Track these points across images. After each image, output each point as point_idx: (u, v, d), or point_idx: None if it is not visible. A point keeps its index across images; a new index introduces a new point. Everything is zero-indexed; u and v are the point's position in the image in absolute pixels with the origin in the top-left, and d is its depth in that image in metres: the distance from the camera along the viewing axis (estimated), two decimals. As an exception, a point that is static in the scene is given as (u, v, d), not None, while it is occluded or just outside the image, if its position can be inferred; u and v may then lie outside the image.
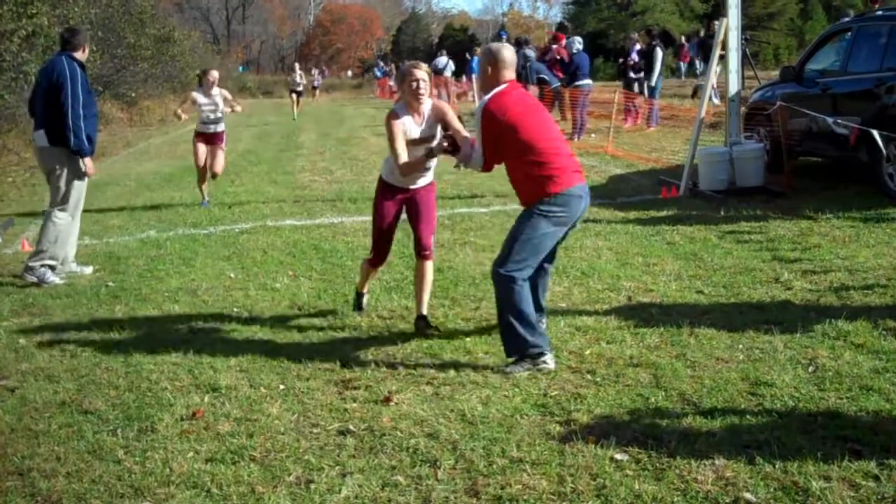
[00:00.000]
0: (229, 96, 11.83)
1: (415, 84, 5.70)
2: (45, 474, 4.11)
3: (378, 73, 52.48)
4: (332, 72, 76.65)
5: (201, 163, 11.71)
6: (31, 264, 7.78)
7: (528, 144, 5.24)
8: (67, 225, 7.93)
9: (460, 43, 60.09)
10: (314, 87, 42.69)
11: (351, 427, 4.51)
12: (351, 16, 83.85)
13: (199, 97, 11.51)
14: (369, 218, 10.43)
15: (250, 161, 17.56)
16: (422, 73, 5.74)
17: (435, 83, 30.17)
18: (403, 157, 5.72)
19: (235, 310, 6.80)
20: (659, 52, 19.06)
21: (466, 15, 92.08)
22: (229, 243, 9.30)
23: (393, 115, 5.79)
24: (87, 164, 7.84)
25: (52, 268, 7.80)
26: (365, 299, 6.63)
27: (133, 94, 31.02)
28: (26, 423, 4.73)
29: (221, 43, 75.38)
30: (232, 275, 7.92)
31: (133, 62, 30.72)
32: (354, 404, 4.83)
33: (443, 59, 33.27)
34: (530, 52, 20.07)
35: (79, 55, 7.92)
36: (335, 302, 6.89)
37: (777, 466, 3.85)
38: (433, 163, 5.92)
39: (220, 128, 11.75)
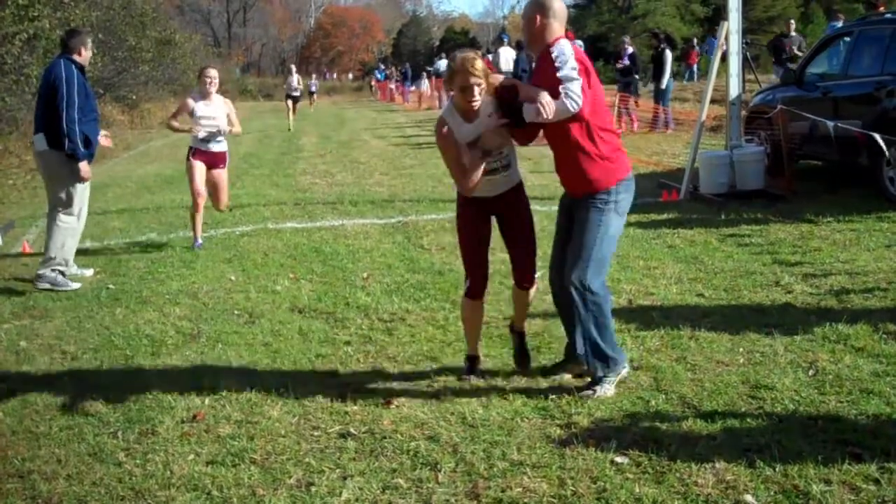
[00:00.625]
0: (233, 111, 9.26)
1: (467, 91, 4.59)
2: (45, 476, 4.12)
3: (378, 76, 52.54)
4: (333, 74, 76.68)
5: (199, 190, 8.94)
6: (40, 272, 7.71)
7: (601, 104, 4.64)
8: (73, 228, 7.90)
9: (461, 46, 60.10)
10: (311, 93, 38.62)
11: (351, 430, 4.52)
12: (352, 19, 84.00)
13: (197, 105, 8.93)
14: (369, 221, 10.53)
15: (251, 164, 17.57)
16: (476, 75, 4.55)
17: (436, 86, 30.13)
18: (462, 176, 4.74)
19: (236, 312, 6.81)
20: (668, 55, 19.06)
21: (467, 18, 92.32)
22: (230, 246, 9.30)
23: (441, 126, 4.75)
24: (81, 167, 7.75)
25: (63, 273, 7.75)
26: (479, 363, 5.31)
27: (134, 97, 31.03)
28: (27, 426, 4.74)
29: (222, 46, 75.47)
30: (233, 277, 7.92)
31: (134, 65, 30.74)
32: (355, 407, 4.83)
33: (444, 62, 33.28)
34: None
35: (77, 57, 7.85)
36: (336, 304, 6.89)
37: (777, 470, 3.86)
38: (505, 158, 4.84)
39: (222, 145, 9.13)
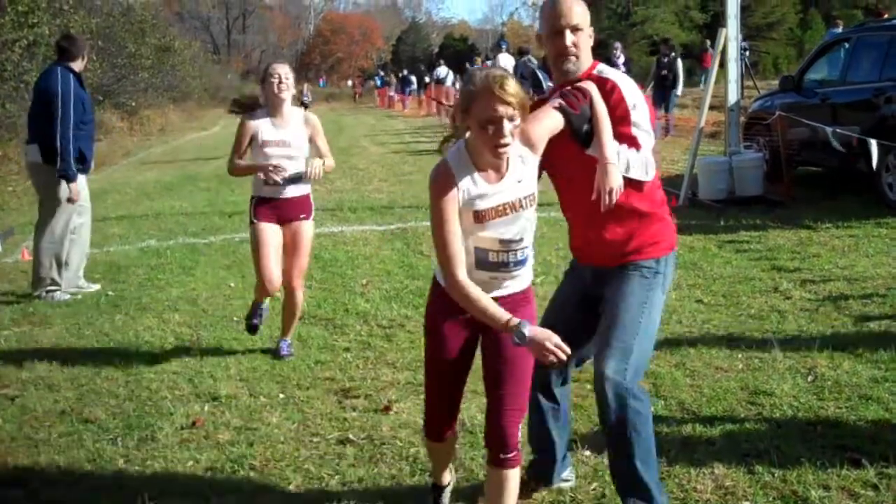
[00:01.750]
0: (320, 132, 5.84)
1: (495, 128, 2.92)
2: (45, 483, 4.12)
3: (378, 83, 52.58)
4: (332, 81, 76.79)
5: (269, 276, 5.64)
6: (35, 293, 7.61)
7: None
8: (58, 245, 7.64)
9: (460, 52, 60.22)
10: (303, 104, 32.64)
11: (351, 436, 4.52)
12: (351, 25, 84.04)
13: (262, 127, 5.61)
14: (368, 227, 10.53)
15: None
16: (508, 102, 2.91)
17: (436, 94, 29.67)
18: (458, 271, 3.03)
19: (235, 319, 6.81)
20: (680, 63, 19.11)
21: (466, 24, 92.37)
22: (229, 252, 9.31)
23: (442, 177, 3.04)
24: (72, 188, 7.44)
25: (56, 290, 7.61)
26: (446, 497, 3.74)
27: (133, 104, 31.05)
28: (26, 432, 4.74)
29: (222, 52, 75.55)
30: (232, 284, 7.92)
31: (133, 71, 30.78)
32: (354, 413, 4.83)
33: (443, 70, 33.32)
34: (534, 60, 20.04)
35: (75, 65, 7.57)
36: (335, 311, 6.89)
37: (776, 475, 3.86)
38: (523, 251, 3.17)
39: (302, 186, 5.78)
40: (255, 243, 5.66)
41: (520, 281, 3.22)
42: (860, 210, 9.68)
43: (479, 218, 3.05)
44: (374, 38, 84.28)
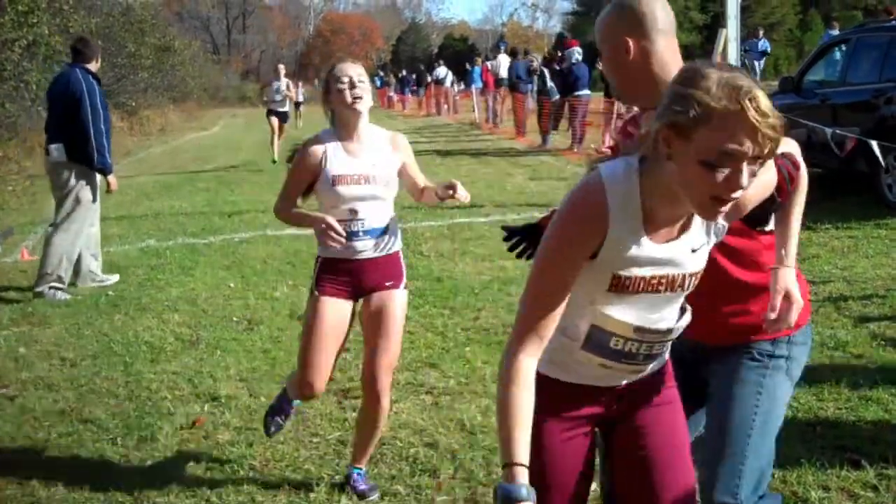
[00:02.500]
0: (411, 157, 4.18)
1: (726, 174, 1.91)
2: (44, 483, 4.11)
3: (378, 83, 52.61)
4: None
5: (315, 369, 3.98)
6: (37, 289, 7.63)
7: None
8: (72, 245, 7.73)
9: (460, 53, 60.22)
10: (297, 105, 27.35)
11: (350, 436, 4.52)
12: (351, 26, 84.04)
13: (331, 159, 3.90)
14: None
15: (251, 170, 17.57)
16: (758, 139, 1.88)
17: (436, 93, 29.37)
18: (527, 348, 2.08)
19: (235, 319, 6.81)
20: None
21: (466, 25, 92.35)
22: (229, 253, 9.31)
23: (587, 206, 2.05)
24: (110, 181, 7.79)
25: (60, 288, 7.63)
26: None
27: (133, 104, 31.07)
28: (26, 432, 4.74)
29: (221, 52, 75.56)
30: (232, 284, 7.92)
31: (133, 71, 30.80)
32: (354, 413, 4.82)
33: (442, 70, 33.35)
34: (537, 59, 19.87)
35: (92, 66, 7.77)
36: (335, 311, 6.88)
37: (776, 476, 3.85)
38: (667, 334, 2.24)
39: (390, 239, 4.17)
40: (308, 325, 3.94)
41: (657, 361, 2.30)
42: (860, 211, 9.68)
43: (619, 286, 2.08)
44: (373, 38, 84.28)
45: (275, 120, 18.12)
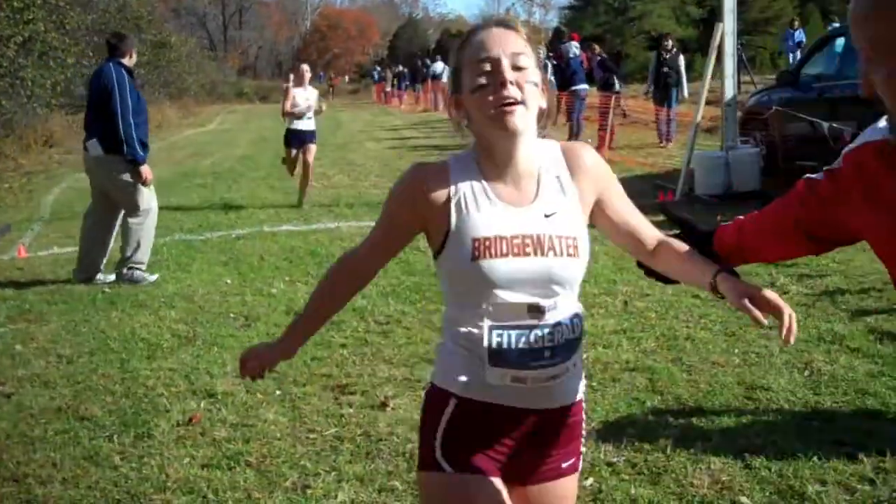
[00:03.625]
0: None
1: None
2: (40, 480, 4.11)
3: (374, 78, 52.63)
4: (329, 77, 76.70)
5: None
6: (118, 271, 7.89)
7: None
8: (145, 228, 7.96)
9: (457, 48, 60.02)
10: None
11: (347, 432, 4.52)
12: (347, 21, 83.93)
13: None
14: (365, 223, 10.50)
15: (247, 166, 17.56)
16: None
17: (432, 88, 29.24)
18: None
19: (232, 315, 6.80)
20: (682, 60, 18.16)
21: (464, 20, 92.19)
22: (226, 249, 9.30)
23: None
24: (143, 171, 7.83)
25: (140, 269, 7.88)
26: None
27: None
28: (22, 430, 4.73)
29: (218, 49, 75.43)
30: (228, 280, 7.91)
31: (130, 68, 30.72)
32: (350, 409, 4.83)
33: (439, 65, 33.30)
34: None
35: (126, 61, 7.92)
36: (332, 307, 6.87)
37: (773, 470, 3.86)
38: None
39: None
40: None
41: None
42: (857, 205, 9.67)
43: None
44: (370, 33, 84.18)
45: (294, 151, 12.19)
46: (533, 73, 2.06)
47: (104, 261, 8.14)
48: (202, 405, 4.98)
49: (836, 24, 17.93)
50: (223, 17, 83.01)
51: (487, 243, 2.04)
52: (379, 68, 54.54)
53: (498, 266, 2.04)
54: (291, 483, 4.01)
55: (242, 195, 13.43)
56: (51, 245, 9.85)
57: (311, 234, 9.91)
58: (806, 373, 5.03)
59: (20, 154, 18.34)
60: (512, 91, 2.02)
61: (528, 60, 2.06)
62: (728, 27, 10.98)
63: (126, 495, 3.95)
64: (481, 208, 2.08)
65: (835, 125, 10.02)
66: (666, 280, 2.32)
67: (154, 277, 7.92)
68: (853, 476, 3.78)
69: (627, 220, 2.25)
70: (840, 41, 11.50)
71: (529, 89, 2.05)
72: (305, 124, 11.82)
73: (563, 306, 2.10)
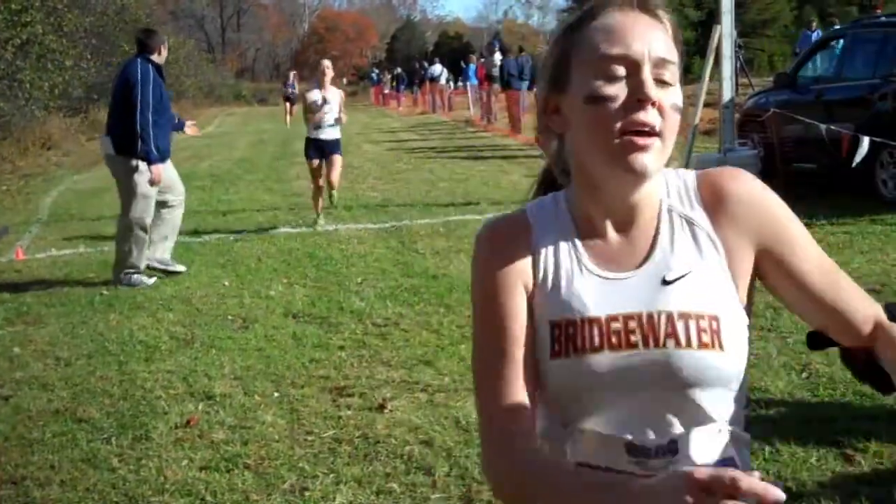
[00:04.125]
0: None
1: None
2: (38, 483, 4.11)
3: (373, 80, 52.64)
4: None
5: None
6: (115, 276, 7.81)
7: None
8: (140, 232, 7.80)
9: (455, 50, 60.19)
10: (289, 100, 27.92)
11: (345, 435, 4.51)
12: (345, 23, 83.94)
13: None
14: (363, 225, 10.52)
15: (245, 169, 17.56)
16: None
17: (430, 90, 29.21)
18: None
19: (230, 317, 6.80)
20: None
21: (461, 22, 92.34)
22: (224, 251, 9.30)
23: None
24: (153, 171, 7.63)
25: (137, 272, 7.80)
26: None
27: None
28: (20, 432, 4.72)
29: (216, 51, 75.45)
30: (226, 282, 7.91)
31: (128, 70, 30.71)
32: (349, 412, 4.82)
33: (437, 67, 33.32)
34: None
35: (155, 57, 7.76)
36: (329, 309, 6.88)
37: (771, 472, 3.86)
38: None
39: None
40: None
41: None
42: (855, 207, 9.68)
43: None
44: (368, 36, 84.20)
45: (316, 161, 10.49)
46: (677, 94, 1.36)
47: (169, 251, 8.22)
48: (200, 407, 4.97)
49: (837, 26, 17.93)
50: (221, 20, 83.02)
51: (571, 330, 1.35)
52: (377, 70, 54.54)
53: (584, 365, 1.33)
54: (289, 485, 4.00)
55: (240, 197, 13.42)
56: (48, 247, 9.85)
57: (309, 237, 9.90)
58: (804, 374, 5.03)
59: (18, 156, 18.33)
60: (650, 116, 1.31)
61: (675, 73, 1.36)
62: (726, 29, 10.98)
63: (124, 497, 3.95)
64: (574, 279, 1.39)
65: (832, 127, 10.03)
66: (887, 386, 1.40)
67: (152, 280, 7.88)
68: (851, 477, 3.78)
69: (820, 286, 1.42)
70: (838, 43, 11.51)
71: (671, 117, 1.34)
72: (327, 133, 10.16)
73: (702, 439, 1.34)
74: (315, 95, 10.23)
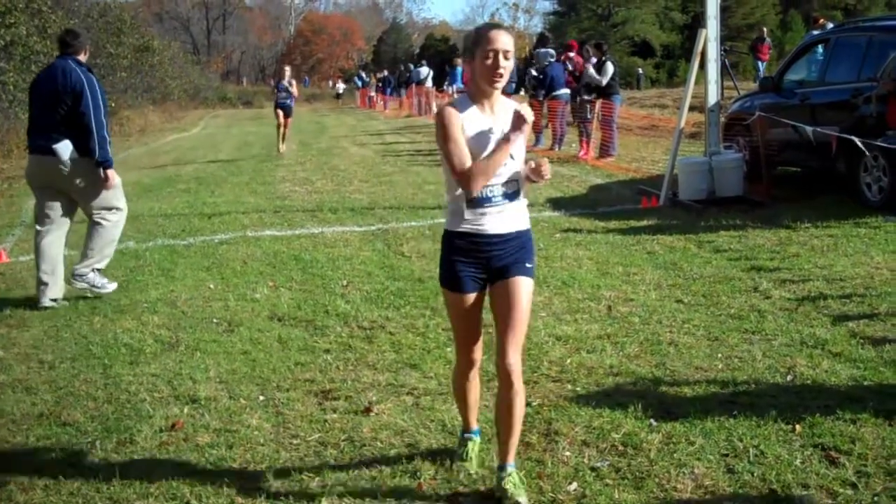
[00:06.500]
0: None
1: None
2: (22, 487, 4.08)
3: (358, 83, 52.63)
4: (313, 82, 76.64)
5: None
6: (80, 271, 7.47)
7: None
8: (114, 226, 7.69)
9: (442, 53, 60.23)
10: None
11: (331, 438, 4.50)
12: (332, 26, 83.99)
13: None
14: (349, 228, 10.53)
15: (230, 171, 17.50)
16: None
17: (416, 93, 29.28)
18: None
19: (215, 320, 6.77)
20: (610, 68, 16.82)
21: (447, 25, 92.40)
22: (209, 254, 9.27)
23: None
24: (109, 175, 7.42)
25: (101, 271, 7.57)
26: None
27: (112, 104, 30.88)
28: (3, 435, 4.70)
29: (202, 53, 75.28)
30: (211, 285, 7.88)
31: (112, 72, 30.65)
32: (334, 415, 4.82)
33: (423, 70, 33.32)
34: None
35: (82, 58, 7.57)
36: (315, 312, 6.87)
37: (756, 474, 3.87)
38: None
39: None
40: None
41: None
42: (839, 210, 9.73)
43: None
44: (354, 38, 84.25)
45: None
46: (512, 61, 3.73)
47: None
48: (185, 411, 4.95)
49: (830, 25, 17.96)
50: (207, 22, 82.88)
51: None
52: (363, 73, 54.52)
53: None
54: (275, 489, 3.99)
55: (226, 200, 13.37)
56: (32, 251, 9.78)
57: (294, 239, 9.88)
58: (789, 377, 5.05)
59: (1, 159, 18.23)
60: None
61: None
62: (711, 33, 11.03)
63: (109, 501, 3.93)
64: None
65: (818, 130, 10.08)
66: None
67: (114, 285, 7.65)
68: (835, 480, 3.79)
69: None
70: (822, 47, 11.57)
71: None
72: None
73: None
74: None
